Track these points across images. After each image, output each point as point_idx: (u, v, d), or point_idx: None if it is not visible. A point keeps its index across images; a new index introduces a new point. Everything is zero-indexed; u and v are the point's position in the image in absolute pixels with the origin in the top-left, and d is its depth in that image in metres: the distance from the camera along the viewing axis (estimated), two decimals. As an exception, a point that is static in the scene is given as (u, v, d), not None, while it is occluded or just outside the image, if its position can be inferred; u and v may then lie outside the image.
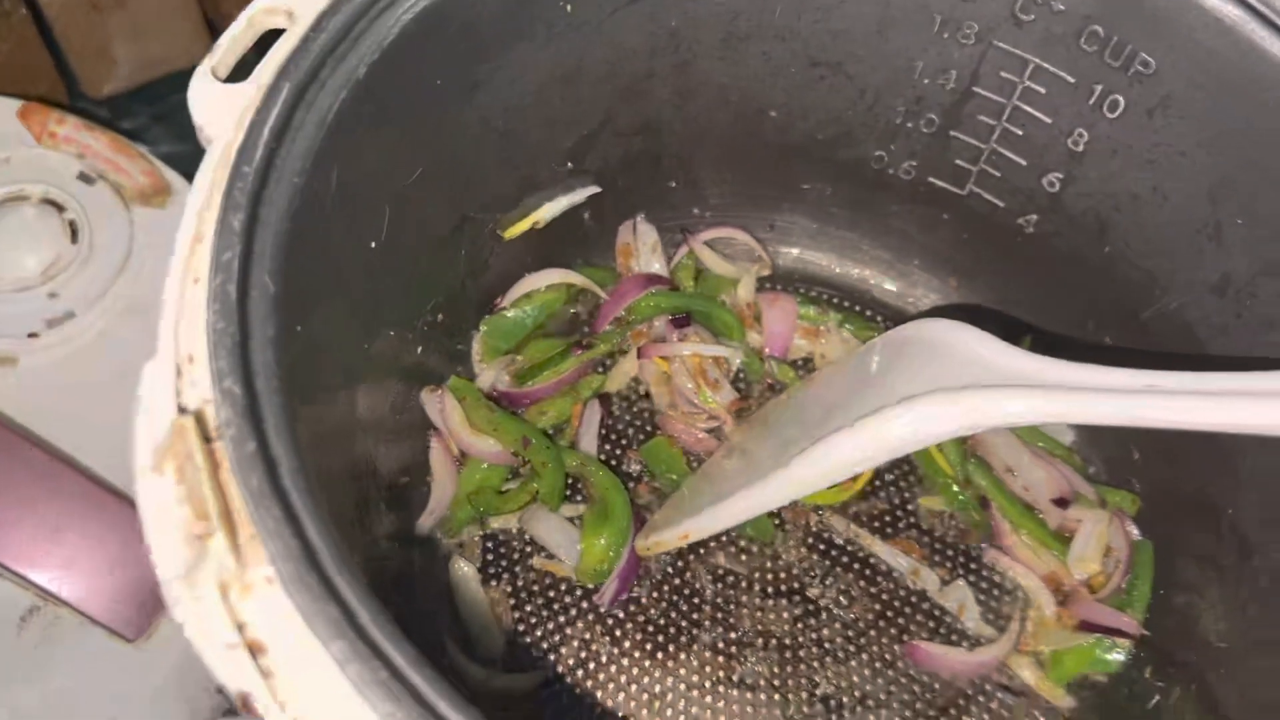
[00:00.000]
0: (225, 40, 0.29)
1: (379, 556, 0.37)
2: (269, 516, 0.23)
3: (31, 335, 0.46)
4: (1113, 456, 0.43)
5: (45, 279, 0.47)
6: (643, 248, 0.45)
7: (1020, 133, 0.39)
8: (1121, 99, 0.36)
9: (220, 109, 0.28)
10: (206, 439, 0.24)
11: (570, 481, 0.41)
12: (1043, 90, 0.38)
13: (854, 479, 0.42)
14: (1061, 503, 0.40)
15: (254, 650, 0.22)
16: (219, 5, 0.55)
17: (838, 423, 0.34)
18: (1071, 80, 0.37)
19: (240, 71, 0.29)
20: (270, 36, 0.30)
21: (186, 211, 0.27)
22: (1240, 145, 0.34)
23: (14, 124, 0.50)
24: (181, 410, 0.24)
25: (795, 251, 0.47)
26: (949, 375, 0.33)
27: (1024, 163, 0.40)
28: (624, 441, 0.43)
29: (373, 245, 0.33)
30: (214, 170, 0.27)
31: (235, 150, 0.27)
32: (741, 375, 0.45)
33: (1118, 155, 0.38)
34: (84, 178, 0.50)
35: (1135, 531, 0.41)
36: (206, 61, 0.29)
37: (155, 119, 0.57)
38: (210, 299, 0.25)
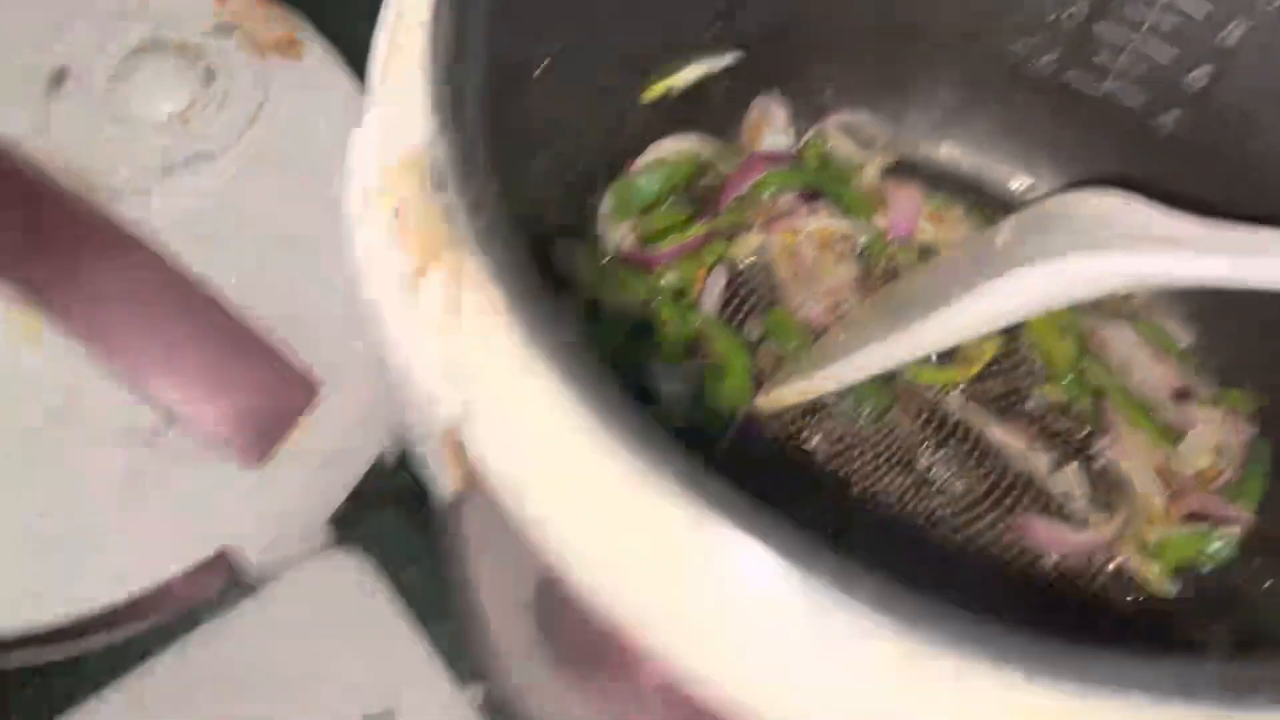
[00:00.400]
0: None
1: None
2: (493, 250, 0.23)
3: (167, 172, 0.47)
4: (1228, 359, 0.43)
5: (181, 122, 0.48)
6: (773, 124, 0.46)
7: (1169, 27, 0.40)
8: (1283, -12, 0.36)
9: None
10: (425, 178, 0.25)
11: (692, 343, 0.42)
12: (1200, -21, 0.38)
13: (971, 361, 0.43)
14: (1180, 396, 0.41)
15: (468, 380, 0.23)
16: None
17: (959, 292, 0.35)
18: (1234, -35, 0.37)
19: None
20: None
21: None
22: None
23: (154, -31, 0.51)
24: (403, 150, 0.25)
25: (924, 142, 0.48)
26: (1088, 238, 0.33)
27: (1170, 57, 0.40)
28: (746, 308, 0.44)
29: (536, 74, 0.34)
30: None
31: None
32: (866, 254, 0.45)
33: (1273, 50, 0.38)
34: (220, 29, 0.50)
35: (1250, 429, 0.41)
36: None
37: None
38: (432, 45, 0.25)
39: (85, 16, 0.49)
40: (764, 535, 0.20)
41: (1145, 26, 0.40)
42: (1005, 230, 0.40)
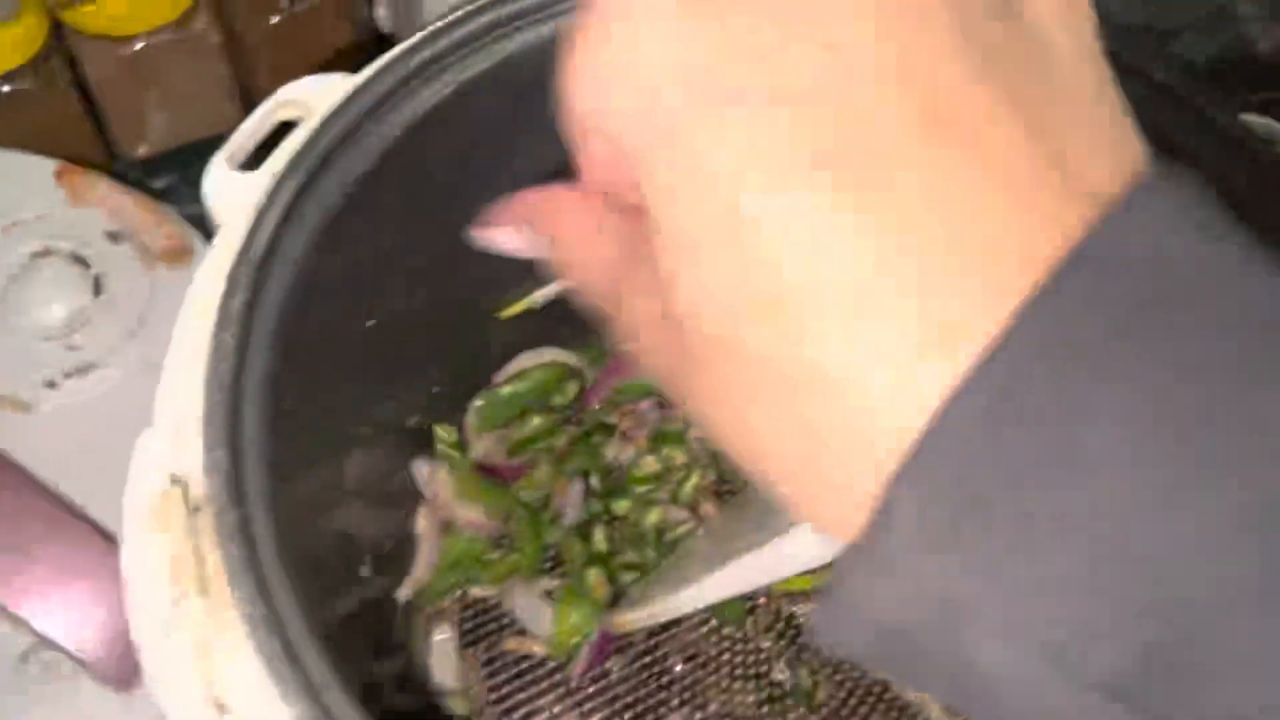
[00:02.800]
0: (241, 132, 0.32)
1: (359, 620, 0.38)
2: (244, 583, 0.24)
3: (49, 384, 0.48)
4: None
5: (67, 330, 0.49)
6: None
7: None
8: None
9: (233, 196, 0.31)
10: (194, 508, 0.26)
11: (550, 555, 0.43)
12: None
13: (825, 567, 0.44)
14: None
15: (220, 708, 0.24)
16: (253, 77, 0.58)
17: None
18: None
19: (255, 163, 0.32)
20: (286, 130, 0.32)
21: (190, 293, 0.29)
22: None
23: (51, 183, 0.52)
24: (173, 479, 0.26)
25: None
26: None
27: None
28: (606, 517, 0.44)
29: (371, 323, 0.35)
30: (220, 255, 0.29)
31: (241, 236, 0.29)
32: (725, 459, 0.46)
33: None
34: (111, 236, 0.52)
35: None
36: (223, 151, 0.31)
37: (185, 181, 0.59)
38: (207, 377, 0.27)
39: (-22, 229, 0.51)
40: None
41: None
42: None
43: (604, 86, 0.17)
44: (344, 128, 0.31)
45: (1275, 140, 0.35)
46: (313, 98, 0.32)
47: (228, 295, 0.28)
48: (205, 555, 0.25)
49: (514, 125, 0.36)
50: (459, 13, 0.34)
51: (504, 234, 0.25)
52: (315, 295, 0.30)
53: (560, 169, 0.39)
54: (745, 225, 0.16)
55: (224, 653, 0.24)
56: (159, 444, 0.27)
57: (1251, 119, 0.36)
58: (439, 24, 0.33)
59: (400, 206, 0.34)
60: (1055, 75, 0.16)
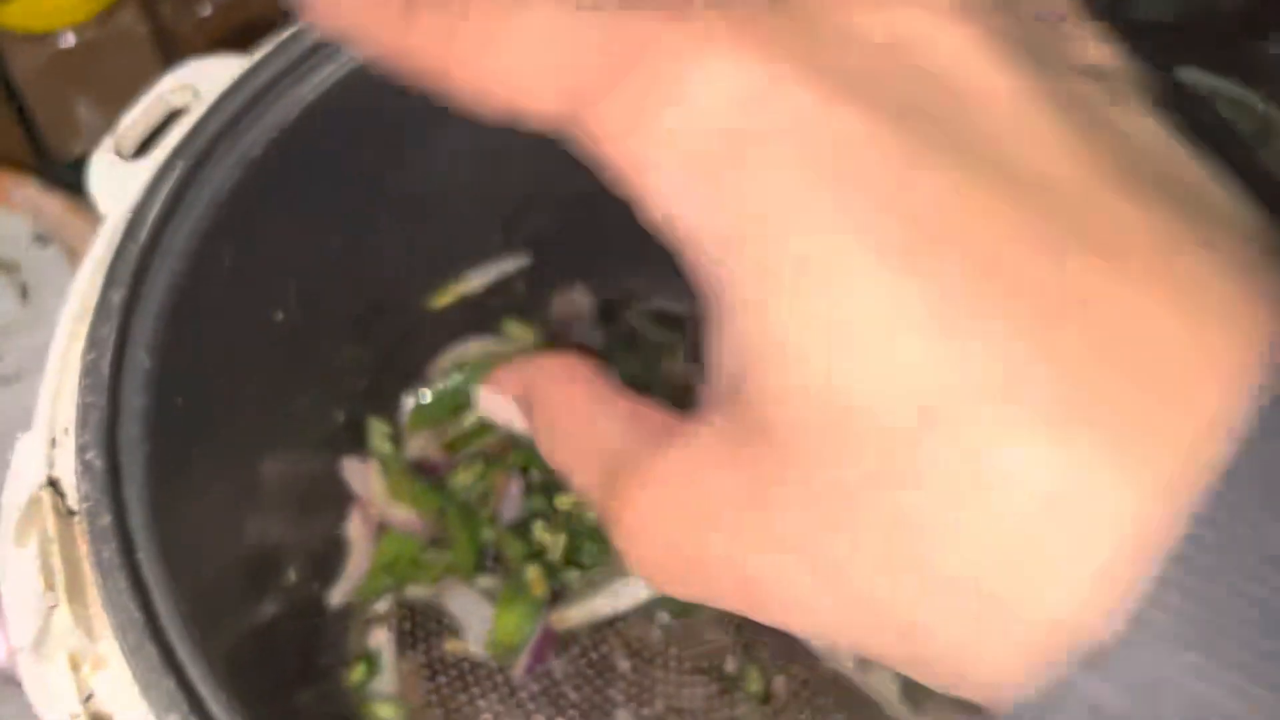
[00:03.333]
0: (127, 119, 0.30)
1: (286, 627, 0.37)
2: (115, 589, 0.23)
3: (-29, 397, 0.47)
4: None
5: (-8, 339, 0.48)
6: (578, 316, 0.46)
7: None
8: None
9: (118, 186, 0.29)
10: (69, 512, 0.24)
11: (490, 554, 0.42)
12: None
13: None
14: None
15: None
16: (184, 73, 0.57)
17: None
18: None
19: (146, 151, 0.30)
20: (177, 118, 0.31)
21: (72, 287, 0.27)
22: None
23: (-26, 187, 0.51)
24: (47, 483, 0.25)
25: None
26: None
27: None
28: (546, 515, 0.43)
29: (280, 318, 0.34)
30: (102, 247, 0.28)
31: (122, 227, 0.27)
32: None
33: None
34: (38, 239, 0.51)
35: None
36: (108, 140, 0.30)
37: (121, 182, 0.58)
38: (83, 373, 0.25)
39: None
40: None
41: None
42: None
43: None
44: (234, 111, 0.30)
45: (1214, 97, 0.34)
46: (204, 80, 0.31)
47: (105, 289, 0.26)
48: (80, 561, 0.23)
49: (422, 105, 0.35)
50: (362, -10, 0.32)
51: (498, 404, 0.22)
52: (208, 288, 0.29)
53: (495, 152, 0.38)
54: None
55: (99, 662, 0.23)
56: (37, 447, 0.25)
57: (1191, 74, 0.34)
58: None
59: (301, 193, 0.32)
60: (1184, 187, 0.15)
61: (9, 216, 0.51)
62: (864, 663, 0.41)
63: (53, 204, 0.51)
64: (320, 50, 0.31)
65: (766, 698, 0.40)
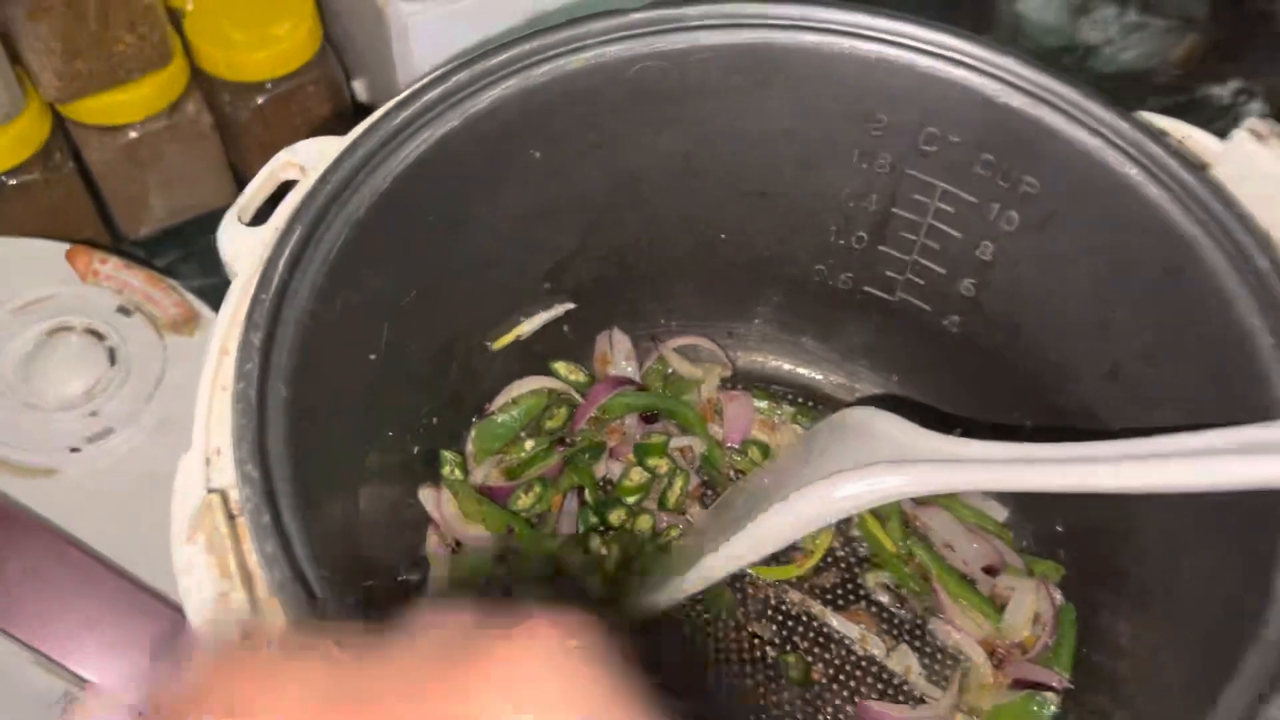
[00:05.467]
0: (248, 191, 0.36)
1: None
2: (279, 574, 0.28)
3: (73, 450, 0.51)
4: (1039, 530, 0.48)
5: (87, 399, 0.53)
6: (617, 355, 0.51)
7: (936, 246, 0.45)
8: (1016, 214, 0.42)
9: (244, 247, 0.35)
10: (230, 514, 0.29)
11: (551, 566, 0.46)
12: (951, 209, 0.44)
13: (807, 556, 0.47)
14: (991, 571, 0.45)
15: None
16: (244, 157, 0.62)
17: (775, 501, 0.39)
18: (974, 200, 0.43)
19: (261, 217, 0.36)
20: (286, 187, 0.36)
21: (214, 331, 0.33)
22: (1109, 253, 0.40)
23: (62, 265, 0.56)
24: (210, 491, 0.30)
25: (753, 354, 0.53)
26: (866, 453, 0.38)
27: (942, 271, 0.46)
28: (601, 527, 0.48)
29: (373, 358, 0.39)
30: (237, 298, 0.33)
31: (255, 281, 0.33)
32: (706, 464, 0.50)
33: (1019, 263, 0.43)
34: (122, 310, 0.56)
35: (1059, 596, 0.45)
36: (233, 209, 0.35)
37: (185, 257, 0.63)
38: (234, 400, 0.30)
39: (-1, 311, 0.55)
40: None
41: (917, 247, 0.46)
42: (813, 438, 0.44)
43: None
44: (338, 182, 0.35)
45: (1167, 133, 0.39)
46: (308, 158, 0.37)
47: (247, 331, 0.31)
48: (246, 553, 0.28)
49: (485, 171, 0.40)
50: (429, 78, 0.38)
51: None
52: (324, 333, 0.34)
53: (543, 212, 0.43)
54: None
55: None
56: (197, 464, 0.30)
57: (1147, 116, 0.40)
58: (413, 88, 0.38)
59: (392, 250, 0.38)
60: None
61: (94, 290, 0.56)
62: (891, 648, 0.46)
63: (132, 277, 0.57)
64: (403, 131, 0.37)
65: (807, 682, 0.45)
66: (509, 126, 0.39)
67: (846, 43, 0.40)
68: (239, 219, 0.35)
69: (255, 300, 0.32)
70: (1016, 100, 0.40)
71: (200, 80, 0.60)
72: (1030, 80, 0.39)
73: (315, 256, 0.34)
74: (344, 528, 0.37)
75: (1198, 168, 0.38)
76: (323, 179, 0.35)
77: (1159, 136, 0.38)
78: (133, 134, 0.59)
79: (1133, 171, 0.38)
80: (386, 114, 0.37)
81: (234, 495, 0.29)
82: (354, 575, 0.38)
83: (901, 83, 0.40)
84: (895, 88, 0.41)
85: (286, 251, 0.33)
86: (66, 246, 0.57)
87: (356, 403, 0.38)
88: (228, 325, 0.33)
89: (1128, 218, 0.38)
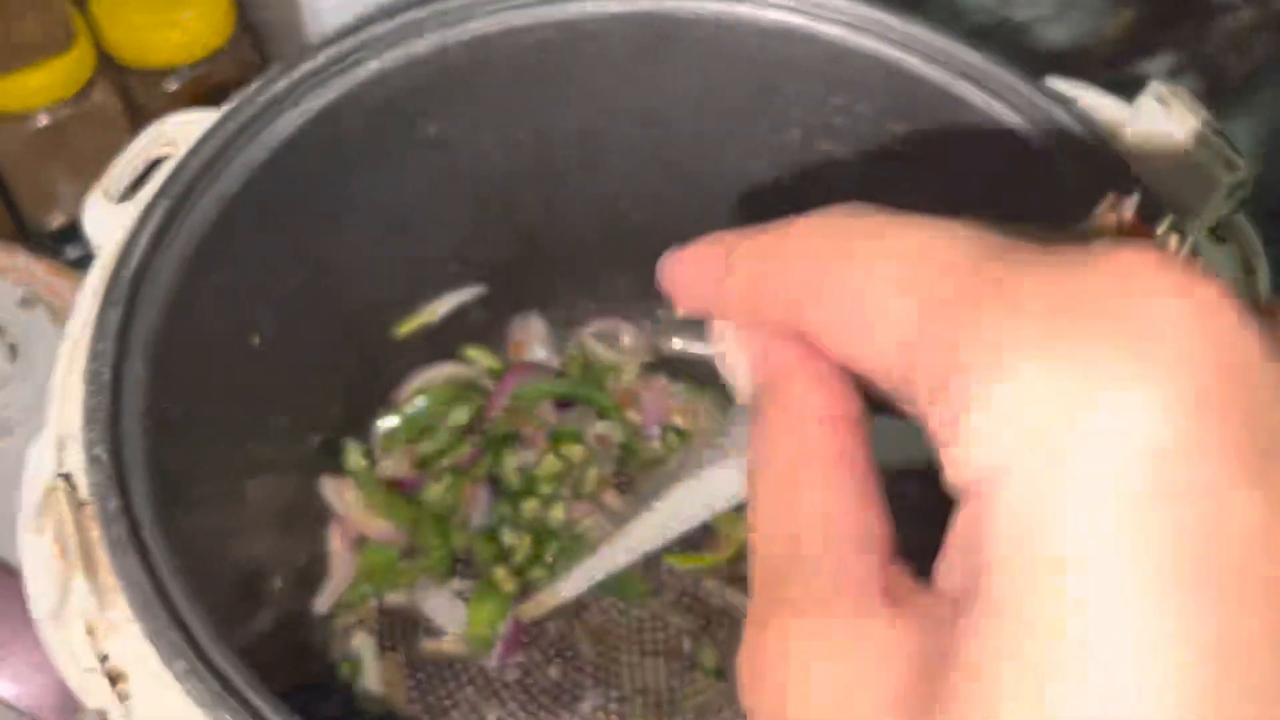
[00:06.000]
0: (116, 166, 0.34)
1: (275, 635, 0.40)
2: (124, 561, 0.26)
3: (-31, 448, 0.50)
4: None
5: (-15, 396, 0.51)
6: (532, 340, 0.50)
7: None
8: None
9: (110, 225, 0.33)
10: (80, 502, 0.28)
11: (461, 558, 0.45)
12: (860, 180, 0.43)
13: (728, 543, 0.46)
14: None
15: (113, 677, 0.26)
16: (155, 144, 0.60)
17: (683, 479, 0.38)
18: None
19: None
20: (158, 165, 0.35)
21: (74, 311, 0.31)
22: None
23: (-37, 258, 0.54)
24: (59, 477, 0.28)
25: (676, 339, 0.52)
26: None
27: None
28: (512, 520, 0.47)
29: (255, 342, 0.38)
30: (98, 276, 0.31)
31: (115, 258, 0.31)
32: (624, 451, 0.48)
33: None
34: (24, 303, 0.54)
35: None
36: (99, 186, 0.34)
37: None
38: (87, 380, 0.29)
39: (-108, 308, 0.53)
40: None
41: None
42: (734, 417, 0.43)
43: None
44: (208, 155, 0.34)
45: (1074, 100, 0.39)
46: (181, 132, 0.35)
47: (103, 308, 0.30)
48: (92, 540, 0.27)
49: (373, 145, 0.39)
50: (313, 47, 0.37)
51: (731, 349, 0.20)
52: (193, 312, 0.33)
53: (439, 188, 0.42)
54: None
55: (112, 626, 0.26)
56: (48, 449, 0.29)
57: (1054, 83, 0.39)
58: (289, 61, 0.36)
59: (273, 227, 0.36)
60: None
61: (-3, 283, 0.54)
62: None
63: (36, 268, 0.55)
64: (282, 100, 0.35)
65: (724, 675, 0.44)
66: (394, 98, 0.37)
67: (746, 10, 0.39)
68: (105, 196, 0.34)
69: (114, 277, 0.31)
70: (922, 68, 0.38)
71: (109, 66, 0.58)
72: (937, 48, 0.38)
73: (183, 231, 0.32)
74: (222, 518, 0.36)
75: (1104, 135, 0.37)
76: (193, 152, 0.34)
77: (1066, 102, 0.37)
78: (38, 122, 0.57)
79: (1036, 137, 0.37)
80: (264, 84, 0.35)
81: (82, 479, 0.28)
82: (248, 571, 0.37)
83: (805, 51, 0.39)
84: (798, 57, 0.40)
85: (150, 227, 0.32)
86: (-33, 239, 0.55)
87: (236, 388, 0.36)
88: (88, 308, 0.31)
89: (1034, 187, 0.37)
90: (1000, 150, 0.38)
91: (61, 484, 0.27)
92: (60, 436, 0.29)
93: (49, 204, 0.60)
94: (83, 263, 0.60)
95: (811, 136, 0.42)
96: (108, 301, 0.30)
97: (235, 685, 0.25)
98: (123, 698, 0.25)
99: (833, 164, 0.43)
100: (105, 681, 0.26)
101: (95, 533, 0.27)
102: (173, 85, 0.59)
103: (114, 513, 0.27)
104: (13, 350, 0.53)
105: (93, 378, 0.29)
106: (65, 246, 0.61)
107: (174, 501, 0.29)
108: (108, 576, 0.26)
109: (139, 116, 0.60)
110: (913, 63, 0.39)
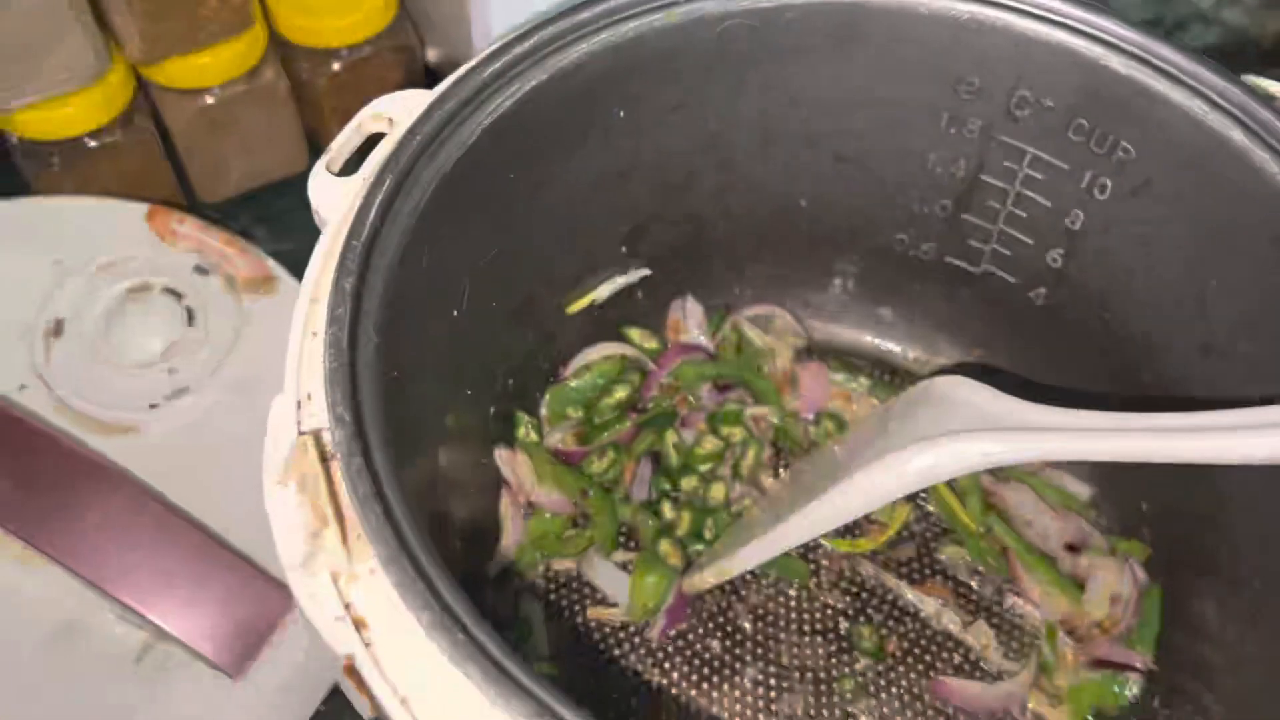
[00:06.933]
0: (338, 141, 0.36)
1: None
2: (372, 515, 0.28)
3: (153, 406, 0.52)
4: (1124, 509, 0.46)
5: (165, 358, 0.54)
6: (690, 323, 0.50)
7: (1024, 215, 0.44)
8: (1109, 182, 0.41)
9: (333, 197, 0.35)
10: (322, 456, 0.29)
11: (624, 530, 0.46)
12: (1040, 176, 0.43)
13: (882, 529, 0.46)
14: (1073, 548, 0.44)
15: (358, 625, 0.27)
16: (319, 123, 0.63)
17: (850, 472, 0.39)
18: (1065, 166, 0.42)
19: (348, 169, 0.36)
20: (374, 141, 0.36)
21: (305, 278, 0.33)
22: (1210, 222, 0.38)
23: (141, 226, 0.57)
24: (302, 433, 0.30)
25: (830, 325, 0.52)
26: (945, 423, 0.37)
27: (1029, 241, 0.45)
28: (674, 494, 0.48)
29: (455, 314, 0.39)
30: (328, 245, 0.33)
31: (346, 228, 0.33)
32: (780, 434, 0.49)
33: (1109, 232, 0.42)
34: (199, 270, 0.57)
35: (1143, 576, 0.44)
36: (323, 158, 0.36)
37: (258, 220, 0.64)
38: (326, 345, 0.30)
39: (80, 273, 0.55)
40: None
41: (1003, 216, 0.45)
42: (892, 409, 0.44)
43: None
44: (427, 134, 0.35)
45: (1276, 96, 0.38)
46: (396, 111, 0.36)
47: (339, 277, 0.31)
48: (339, 493, 0.28)
49: (568, 129, 0.40)
50: (518, 32, 0.38)
51: None
52: (410, 284, 0.34)
53: (622, 173, 0.43)
54: None
55: (353, 578, 0.28)
56: (289, 407, 0.30)
57: (1253, 80, 0.39)
58: (502, 42, 0.37)
59: (476, 205, 0.37)
60: None
61: (174, 251, 0.57)
62: (968, 623, 0.45)
63: (210, 238, 0.57)
64: (491, 85, 0.37)
65: (881, 655, 0.44)
66: (594, 83, 0.39)
67: (939, 2, 0.39)
68: (328, 169, 0.35)
69: (347, 246, 0.32)
70: (1115, 62, 0.38)
71: (278, 46, 0.60)
72: (1131, 41, 0.38)
73: (404, 207, 0.34)
74: (428, 483, 0.37)
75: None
76: (411, 131, 0.35)
77: (1267, 100, 0.37)
78: (212, 98, 0.59)
79: (1238, 135, 0.37)
80: (474, 67, 0.37)
81: (326, 437, 0.29)
82: (435, 530, 0.38)
83: (994, 44, 0.40)
84: (988, 49, 0.40)
85: (379, 199, 0.33)
86: (146, 207, 0.58)
87: (440, 359, 0.38)
88: (318, 273, 0.33)
89: (1232, 184, 0.37)
90: (1192, 147, 0.38)
91: (310, 440, 0.29)
92: (298, 396, 0.31)
93: (218, 178, 0.63)
94: (247, 235, 0.63)
95: (992, 130, 0.42)
96: (343, 269, 0.32)
97: (476, 636, 0.26)
98: (366, 644, 0.27)
99: (1012, 157, 0.43)
100: (352, 628, 0.27)
101: (341, 487, 0.29)
102: (335, 65, 0.61)
103: (359, 469, 0.28)
104: (190, 314, 0.55)
105: (333, 342, 0.30)
106: (230, 220, 0.64)
107: (398, 463, 0.31)
108: (355, 528, 0.28)
109: (303, 96, 0.62)
110: (1105, 56, 0.39)
